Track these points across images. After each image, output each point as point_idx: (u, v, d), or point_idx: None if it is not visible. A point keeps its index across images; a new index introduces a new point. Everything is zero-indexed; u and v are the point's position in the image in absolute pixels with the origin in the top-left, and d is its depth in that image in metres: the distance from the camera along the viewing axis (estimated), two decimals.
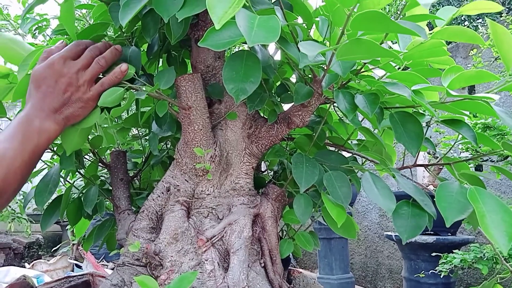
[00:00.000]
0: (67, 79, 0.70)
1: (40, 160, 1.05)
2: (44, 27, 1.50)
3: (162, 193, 0.86)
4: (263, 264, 0.85)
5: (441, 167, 2.31)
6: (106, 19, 0.92)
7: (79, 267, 2.94)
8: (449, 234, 2.33)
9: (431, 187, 2.27)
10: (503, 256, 1.02)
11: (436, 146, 1.54)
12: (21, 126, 0.67)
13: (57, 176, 0.87)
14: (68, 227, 3.46)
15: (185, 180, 0.85)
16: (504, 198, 2.71)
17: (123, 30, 0.89)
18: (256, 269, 0.83)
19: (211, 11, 0.46)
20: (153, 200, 0.86)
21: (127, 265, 0.83)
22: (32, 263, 2.94)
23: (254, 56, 0.68)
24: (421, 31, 0.45)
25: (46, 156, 1.15)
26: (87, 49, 0.74)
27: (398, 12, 0.66)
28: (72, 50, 0.73)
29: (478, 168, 2.42)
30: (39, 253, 4.92)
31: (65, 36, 1.01)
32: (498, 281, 0.90)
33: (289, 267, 1.01)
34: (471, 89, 2.69)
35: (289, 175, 0.91)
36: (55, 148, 0.99)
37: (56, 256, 3.42)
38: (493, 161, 1.86)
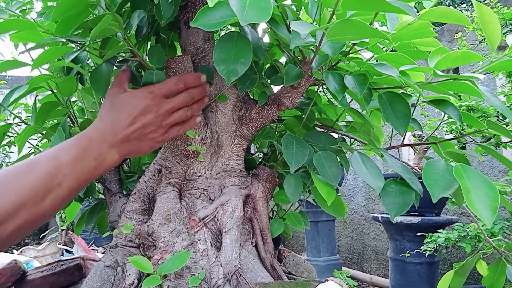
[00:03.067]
0: (153, 117, 0.67)
1: (28, 143, 1.05)
2: (27, 10, 1.48)
3: (154, 175, 0.86)
4: (254, 243, 0.87)
5: (426, 149, 2.35)
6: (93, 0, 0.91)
7: (69, 252, 2.94)
8: (433, 214, 2.38)
9: (416, 168, 2.30)
10: (486, 232, 1.05)
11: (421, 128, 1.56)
12: (83, 150, 0.62)
13: None
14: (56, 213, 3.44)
15: (177, 162, 0.85)
16: None
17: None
18: (248, 248, 0.85)
19: None
20: (145, 182, 0.87)
21: (120, 247, 0.84)
22: (20, 250, 2.93)
23: (245, 37, 0.69)
24: (411, 9, 0.46)
25: (34, 141, 1.15)
26: (183, 93, 0.72)
27: None
28: (169, 88, 0.70)
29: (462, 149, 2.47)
30: (26, 240, 4.89)
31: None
32: (481, 257, 0.93)
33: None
34: (455, 72, 2.73)
35: (279, 157, 0.92)
36: (44, 132, 0.99)
37: (43, 242, 3.40)
38: (477, 142, 1.90)
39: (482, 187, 0.60)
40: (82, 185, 0.63)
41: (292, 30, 0.59)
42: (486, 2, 2.16)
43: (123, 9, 0.90)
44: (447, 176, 0.64)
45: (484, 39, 2.16)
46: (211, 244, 0.80)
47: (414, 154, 2.46)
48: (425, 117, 2.32)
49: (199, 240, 0.80)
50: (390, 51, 0.80)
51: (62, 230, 3.38)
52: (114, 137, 0.65)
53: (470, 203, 0.59)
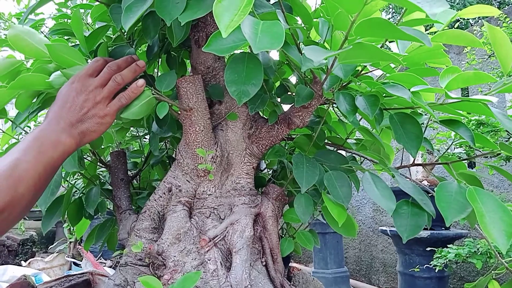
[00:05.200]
0: (85, 96, 0.71)
1: None
2: (38, 26, 1.50)
3: (164, 193, 0.86)
4: (264, 263, 0.87)
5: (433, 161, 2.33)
6: (105, 20, 0.92)
7: (78, 265, 2.94)
8: (443, 228, 2.36)
9: (425, 182, 2.29)
10: (498, 252, 1.04)
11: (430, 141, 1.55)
12: (36, 139, 0.67)
13: (59, 177, 0.87)
14: (65, 225, 3.45)
15: (187, 180, 0.85)
16: (497, 193, 2.75)
17: (123, 31, 0.89)
18: (258, 267, 0.84)
19: (217, 20, 0.46)
20: (155, 200, 0.87)
21: (130, 265, 0.84)
22: (28, 261, 2.93)
23: (256, 58, 0.69)
24: (425, 38, 0.46)
25: None
26: (106, 65, 0.74)
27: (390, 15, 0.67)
28: (92, 67, 0.74)
29: (471, 164, 2.45)
30: (33, 250, 4.90)
31: (61, 36, 1.02)
32: (494, 277, 0.92)
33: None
34: (464, 87, 2.71)
35: (289, 174, 0.92)
36: None
37: (51, 253, 3.41)
38: (486, 156, 1.89)
39: (496, 211, 0.60)
40: (49, 171, 0.67)
41: (304, 54, 0.59)
42: (495, 17, 2.15)
43: (135, 28, 0.91)
44: (460, 199, 0.64)
45: (494, 53, 2.15)
46: (221, 264, 0.79)
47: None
48: (433, 129, 2.31)
49: (209, 260, 0.79)
50: (400, 68, 0.80)
51: (71, 242, 3.38)
52: (58, 125, 0.69)
53: (484, 228, 0.59)
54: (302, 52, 0.68)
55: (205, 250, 0.80)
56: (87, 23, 1.19)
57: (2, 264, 3.13)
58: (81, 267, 2.89)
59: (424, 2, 0.41)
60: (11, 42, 0.77)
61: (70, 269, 2.96)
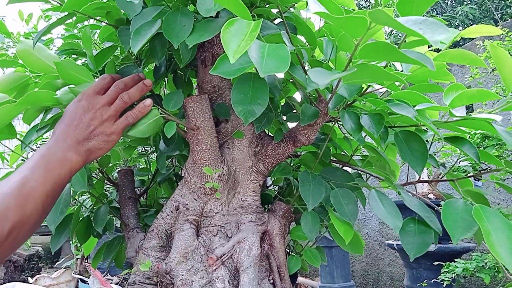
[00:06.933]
0: (92, 114, 0.72)
1: None
2: (47, 46, 1.52)
3: (171, 212, 0.87)
4: (271, 281, 0.87)
5: (439, 174, 2.32)
6: (113, 40, 0.94)
7: (85, 282, 2.93)
8: (450, 242, 2.35)
9: (431, 196, 2.28)
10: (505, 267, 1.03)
11: (435, 154, 1.55)
12: (43, 157, 0.67)
13: (68, 197, 0.88)
14: (72, 241, 3.45)
15: (194, 199, 0.86)
16: (503, 205, 2.73)
17: (131, 52, 0.91)
18: (265, 285, 0.85)
19: (225, 46, 0.47)
20: (163, 219, 0.87)
21: (138, 284, 0.84)
22: (35, 278, 2.94)
23: (262, 78, 0.70)
24: (428, 61, 0.47)
25: None
26: (114, 84, 0.75)
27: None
28: (99, 85, 0.75)
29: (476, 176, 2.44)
30: (39, 265, 4.89)
31: (69, 56, 1.04)
32: None
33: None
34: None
35: (295, 191, 0.93)
36: None
37: (57, 269, 3.41)
38: (490, 168, 1.88)
39: (503, 229, 0.60)
40: (57, 188, 0.68)
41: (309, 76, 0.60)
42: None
43: (143, 48, 0.93)
44: (466, 217, 0.64)
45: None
46: (228, 282, 0.80)
47: (428, 178, 2.44)
48: (439, 142, 2.31)
49: (217, 278, 0.80)
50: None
51: (77, 258, 3.38)
52: (64, 142, 0.70)
53: (490, 246, 0.59)
54: (307, 73, 0.69)
55: (212, 268, 0.81)
56: (95, 43, 1.21)
57: (9, 280, 3.13)
58: (88, 284, 2.88)
59: (426, 28, 0.43)
60: (19, 56, 0.78)
61: (77, 286, 2.96)
